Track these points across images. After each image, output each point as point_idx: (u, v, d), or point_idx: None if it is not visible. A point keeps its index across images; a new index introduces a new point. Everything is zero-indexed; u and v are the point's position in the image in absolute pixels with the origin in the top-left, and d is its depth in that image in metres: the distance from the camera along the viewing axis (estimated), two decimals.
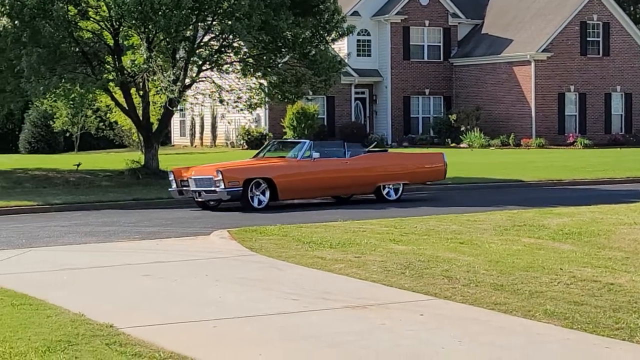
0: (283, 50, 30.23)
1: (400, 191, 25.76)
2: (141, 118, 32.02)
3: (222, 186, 23.20)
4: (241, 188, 23.45)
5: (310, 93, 33.60)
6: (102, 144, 59.53)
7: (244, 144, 52.81)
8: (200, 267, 14.69)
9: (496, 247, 15.68)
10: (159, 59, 28.96)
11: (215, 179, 23.31)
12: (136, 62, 30.31)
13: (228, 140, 55.23)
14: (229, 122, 51.68)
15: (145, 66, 29.34)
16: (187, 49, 29.70)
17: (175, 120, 58.03)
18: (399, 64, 56.16)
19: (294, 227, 18.44)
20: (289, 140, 27.79)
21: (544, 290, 12.15)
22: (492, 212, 21.23)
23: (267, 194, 23.90)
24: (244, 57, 30.73)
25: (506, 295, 11.90)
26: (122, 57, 31.21)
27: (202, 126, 57.41)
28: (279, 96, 31.31)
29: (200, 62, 30.26)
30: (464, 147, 52.08)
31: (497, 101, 54.94)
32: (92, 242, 17.94)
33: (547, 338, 9.98)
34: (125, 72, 30.72)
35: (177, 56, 30.15)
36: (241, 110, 31.91)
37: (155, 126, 33.04)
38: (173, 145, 59.08)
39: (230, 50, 30.51)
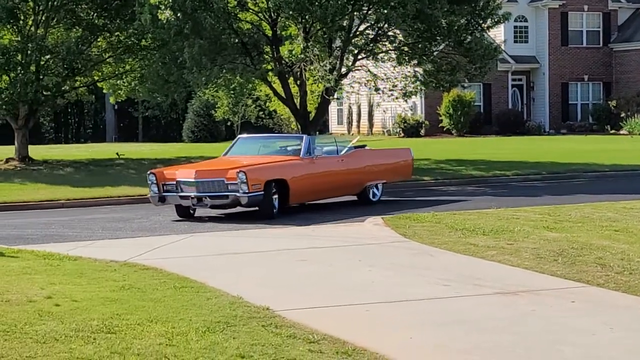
0: (438, 38, 30.27)
1: (381, 191, 23.24)
2: (299, 107, 32.56)
3: (245, 190, 19.44)
4: (263, 192, 19.80)
5: (466, 81, 33.51)
6: (262, 132, 60.54)
7: (401, 131, 52.98)
8: (354, 252, 14.97)
9: None
10: (315, 48, 29.42)
11: (233, 182, 19.56)
12: (294, 52, 30.87)
13: (385, 128, 55.47)
14: (384, 111, 51.92)
15: (302, 56, 29.85)
16: (342, 38, 30.06)
17: (333, 108, 58.59)
18: (557, 50, 55.32)
19: (447, 215, 18.56)
20: (262, 135, 24.95)
21: None
22: None
23: (277, 197, 20.49)
24: (399, 45, 30.89)
25: None
26: (280, 47, 31.78)
27: (359, 114, 57.82)
28: (434, 84, 31.36)
29: (356, 51, 30.59)
30: (623, 134, 50.97)
31: None
32: (250, 229, 18.43)
33: None
34: (283, 61, 31.29)
35: (333, 45, 30.54)
36: (396, 98, 32.10)
37: (312, 115, 33.54)
38: (331, 134, 59.69)
39: (385, 39, 30.74)
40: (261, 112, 57.37)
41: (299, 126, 34.54)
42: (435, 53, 31.19)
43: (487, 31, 32.12)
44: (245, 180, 19.42)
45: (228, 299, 11.33)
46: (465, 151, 38.02)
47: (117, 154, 37.72)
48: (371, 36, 30.59)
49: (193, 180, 19.82)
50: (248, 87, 35.80)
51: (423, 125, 52.58)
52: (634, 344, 9.22)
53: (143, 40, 35.07)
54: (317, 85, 37.53)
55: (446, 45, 31.31)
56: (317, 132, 34.04)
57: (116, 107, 63.15)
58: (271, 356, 8.85)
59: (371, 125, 56.66)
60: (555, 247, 14.44)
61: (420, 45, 30.54)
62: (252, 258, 14.73)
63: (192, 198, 19.76)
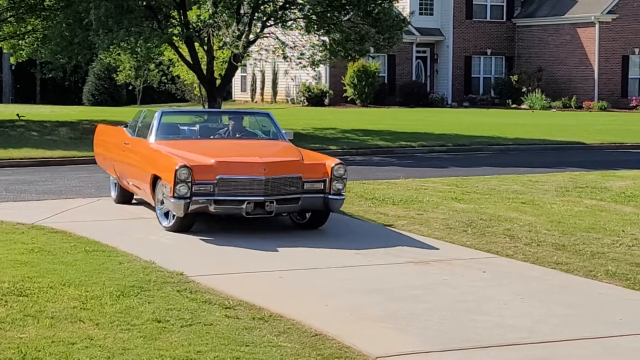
0: (347, 7, 30.26)
1: None
2: (205, 73, 32.30)
3: (341, 189, 13.85)
4: None
5: (371, 51, 33.60)
6: (164, 97, 60.04)
7: (304, 100, 53.01)
8: (262, 219, 14.87)
9: (558, 207, 15.79)
10: (224, 14, 29.14)
11: (317, 179, 13.81)
12: (202, 17, 30.50)
13: (288, 96, 55.44)
14: (292, 79, 51.81)
15: (210, 21, 29.53)
16: (251, 4, 29.83)
17: (237, 75, 58.21)
18: (461, 23, 55.85)
19: (356, 184, 18.63)
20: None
21: (606, 251, 12.28)
22: (554, 173, 21.31)
23: None
24: (308, 13, 30.79)
25: (568, 255, 12.04)
26: (187, 12, 31.42)
27: (262, 82, 57.65)
28: (342, 53, 31.34)
29: (265, 18, 30.39)
30: (524, 109, 51.80)
31: (559, 63, 54.50)
32: None
33: (608, 298, 10.12)
34: (190, 26, 30.95)
35: (242, 11, 30.28)
36: (304, 67, 32.04)
37: (218, 81, 33.29)
38: (234, 101, 59.44)
39: (294, 7, 30.61)
40: (164, 77, 56.76)
41: (204, 92, 34.32)
42: (343, 22, 31.13)
43: (395, 2, 32.20)
44: (344, 176, 13.90)
45: (140, 263, 11.24)
46: (370, 121, 38.20)
47: (17, 115, 36.98)
48: (280, 3, 30.43)
49: (263, 177, 13.41)
50: (155, 51, 35.31)
51: (327, 94, 52.69)
52: (544, 313, 9.39)
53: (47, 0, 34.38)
54: (223, 52, 37.27)
55: (354, 14, 31.28)
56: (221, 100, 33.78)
57: (13, 67, 61.88)
58: (188, 321, 8.81)
59: (275, 93, 56.59)
60: (464, 218, 14.63)
61: (329, 14, 30.48)
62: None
63: (248, 203, 13.43)
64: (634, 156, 27.75)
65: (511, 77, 54.46)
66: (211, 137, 15.48)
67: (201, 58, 33.17)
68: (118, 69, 58.01)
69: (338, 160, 13.99)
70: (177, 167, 13.20)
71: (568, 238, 13.12)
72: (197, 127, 15.87)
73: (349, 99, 52.32)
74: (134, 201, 16.28)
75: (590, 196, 17.23)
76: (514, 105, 53.18)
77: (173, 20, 31.54)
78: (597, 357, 8.17)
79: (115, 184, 16.46)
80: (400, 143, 29.15)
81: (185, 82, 53.73)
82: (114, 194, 16.61)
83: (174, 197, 13.21)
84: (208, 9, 29.45)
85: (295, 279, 10.86)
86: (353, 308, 9.50)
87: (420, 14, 54.52)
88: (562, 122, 39.98)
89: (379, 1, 30.25)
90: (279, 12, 30.19)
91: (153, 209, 15.14)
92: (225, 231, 13.74)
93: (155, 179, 13.94)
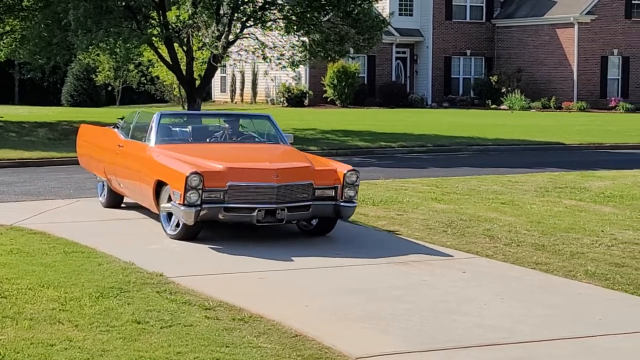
0: (327, 8, 30.25)
1: None
2: (185, 73, 32.22)
3: (353, 196, 13.45)
4: None
5: (351, 51, 33.61)
6: (143, 98, 59.91)
7: (284, 101, 52.98)
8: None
9: (537, 208, 15.83)
10: (203, 14, 29.07)
11: (328, 186, 13.36)
12: (181, 17, 30.42)
13: (268, 97, 55.38)
14: (271, 79, 51.72)
15: (190, 22, 29.45)
16: (231, 5, 29.76)
17: (216, 76, 58.10)
18: (441, 24, 55.94)
19: None
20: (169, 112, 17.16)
21: (585, 251, 12.32)
22: (533, 174, 21.36)
23: None
24: (288, 14, 30.76)
25: (547, 256, 12.07)
26: (167, 13, 31.33)
27: (242, 82, 57.55)
28: (322, 54, 31.32)
29: (244, 19, 30.34)
30: (504, 109, 51.92)
31: (539, 63, 54.66)
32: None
33: (588, 298, 10.15)
34: (170, 27, 30.87)
35: (221, 12, 30.22)
36: (284, 67, 32.00)
37: (198, 82, 33.21)
38: (214, 101, 59.32)
39: (273, 7, 30.57)
40: (143, 78, 56.67)
41: (183, 93, 34.25)
42: (323, 23, 31.11)
43: (375, 3, 32.21)
44: (356, 183, 13.53)
45: (120, 264, 11.19)
46: (350, 122, 38.22)
47: None
48: (260, 4, 30.38)
49: (275, 184, 12.92)
50: (134, 52, 35.17)
51: (307, 95, 52.69)
52: (524, 313, 9.41)
53: (25, 0, 34.22)
54: (203, 52, 37.18)
55: (334, 15, 31.27)
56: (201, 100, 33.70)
57: None
58: (167, 322, 8.78)
59: (255, 93, 56.52)
60: (444, 219, 14.65)
61: (308, 15, 30.46)
62: (141, 224, 14.53)
63: (259, 211, 12.90)
64: (613, 156, 27.86)
65: (491, 77, 54.58)
66: (211, 140, 14.86)
67: (181, 59, 33.09)
68: (97, 70, 57.85)
69: (350, 167, 13.57)
70: (188, 174, 12.61)
71: (548, 238, 13.15)
72: (196, 130, 15.16)
73: (328, 99, 52.32)
74: (122, 205, 16.04)
75: (570, 196, 17.29)
76: (493, 106, 53.30)
77: (152, 21, 31.45)
78: (577, 357, 8.18)
79: (104, 186, 16.09)
80: (380, 144, 29.17)
81: (164, 83, 53.66)
82: (102, 197, 16.20)
83: (184, 204, 12.61)
84: (187, 10, 29.35)
85: (275, 279, 10.84)
86: (334, 308, 9.49)
87: (400, 14, 54.56)
88: (541, 123, 40.09)
89: (359, 2, 30.25)
90: (259, 13, 30.15)
91: (143, 210, 15.09)
92: (210, 234, 13.71)
93: (159, 185, 13.40)
